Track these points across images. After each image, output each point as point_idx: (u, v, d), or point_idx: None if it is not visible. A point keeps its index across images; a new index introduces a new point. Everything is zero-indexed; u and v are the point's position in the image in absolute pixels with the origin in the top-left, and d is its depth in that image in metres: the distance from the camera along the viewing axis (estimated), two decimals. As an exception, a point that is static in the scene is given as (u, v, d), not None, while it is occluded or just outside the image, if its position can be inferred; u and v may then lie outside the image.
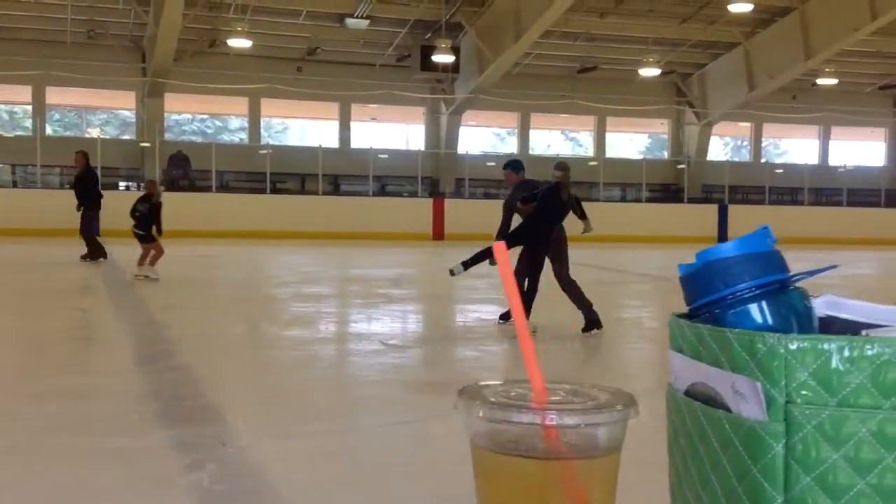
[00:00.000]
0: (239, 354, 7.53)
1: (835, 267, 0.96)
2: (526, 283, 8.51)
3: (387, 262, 18.41)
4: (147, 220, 12.69)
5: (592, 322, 8.45)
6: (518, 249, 8.72)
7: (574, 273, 9.26)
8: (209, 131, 31.02)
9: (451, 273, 9.00)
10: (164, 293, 12.01)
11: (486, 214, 26.94)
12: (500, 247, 0.79)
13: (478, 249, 8.64)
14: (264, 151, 27.40)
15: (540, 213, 8.50)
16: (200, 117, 30.73)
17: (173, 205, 22.82)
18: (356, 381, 6.32)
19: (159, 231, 13.14)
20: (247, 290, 12.78)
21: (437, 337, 8.96)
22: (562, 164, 8.74)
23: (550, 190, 8.55)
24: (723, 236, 25.68)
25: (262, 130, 29.84)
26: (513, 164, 9.48)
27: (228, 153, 28.04)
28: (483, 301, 11.70)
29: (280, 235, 23.77)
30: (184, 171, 26.35)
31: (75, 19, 24.80)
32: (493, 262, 8.39)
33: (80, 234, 15.23)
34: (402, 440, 4.40)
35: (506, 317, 9.47)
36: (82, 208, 15.19)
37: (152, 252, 12.56)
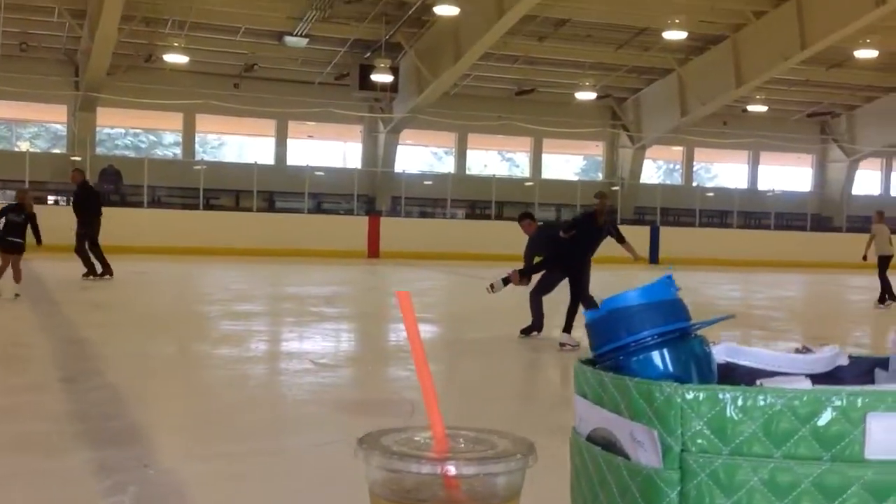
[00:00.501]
0: (167, 374, 7.40)
1: (731, 317, 0.98)
2: (569, 301, 9.07)
3: (320, 279, 18.29)
4: (22, 229, 12.33)
5: None
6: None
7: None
8: (143, 146, 30.55)
9: (492, 289, 9.39)
10: (92, 310, 11.76)
11: (421, 233, 27.17)
12: (403, 296, 0.80)
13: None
14: (198, 167, 27.07)
15: (578, 239, 9.10)
16: (134, 131, 30.25)
17: (104, 220, 22.44)
18: (286, 401, 6.26)
19: (39, 241, 12.87)
20: (177, 307, 12.58)
21: (369, 356, 8.92)
22: (600, 193, 9.65)
23: (587, 216, 9.33)
24: (654, 258, 26.07)
25: (196, 146, 29.47)
26: (529, 215, 10.07)
27: (161, 168, 27.63)
28: (417, 321, 11.70)
29: (213, 252, 23.46)
30: (115, 185, 25.89)
31: (7, 31, 24.26)
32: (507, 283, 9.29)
33: (76, 253, 14.83)
34: (332, 460, 4.36)
35: (526, 331, 9.64)
36: (80, 226, 14.84)
37: (17, 264, 12.05)
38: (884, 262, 15.70)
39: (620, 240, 9.69)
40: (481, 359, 8.74)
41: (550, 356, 9.32)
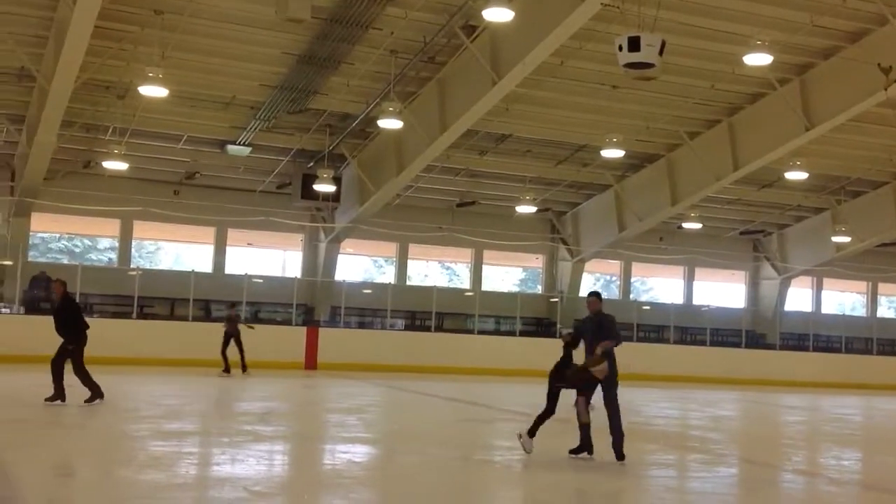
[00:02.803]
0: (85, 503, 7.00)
1: None
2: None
3: (256, 394, 17.80)
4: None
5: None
6: None
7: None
8: (77, 250, 29.96)
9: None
10: (8, 425, 11.21)
11: (360, 344, 26.84)
12: None
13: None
14: (133, 273, 26.55)
15: None
16: (68, 235, 29.66)
17: (31, 328, 21.77)
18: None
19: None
20: (102, 425, 12.04)
21: (305, 482, 8.59)
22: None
23: None
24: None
25: (133, 251, 28.99)
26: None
27: (96, 275, 27.02)
28: (353, 441, 11.39)
29: (145, 363, 22.79)
30: (46, 293, 25.14)
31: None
32: None
33: (75, 374, 13.20)
34: None
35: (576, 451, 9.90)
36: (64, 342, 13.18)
37: None
38: None
39: None
40: (423, 483, 8.46)
41: (491, 476, 9.08)
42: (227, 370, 20.85)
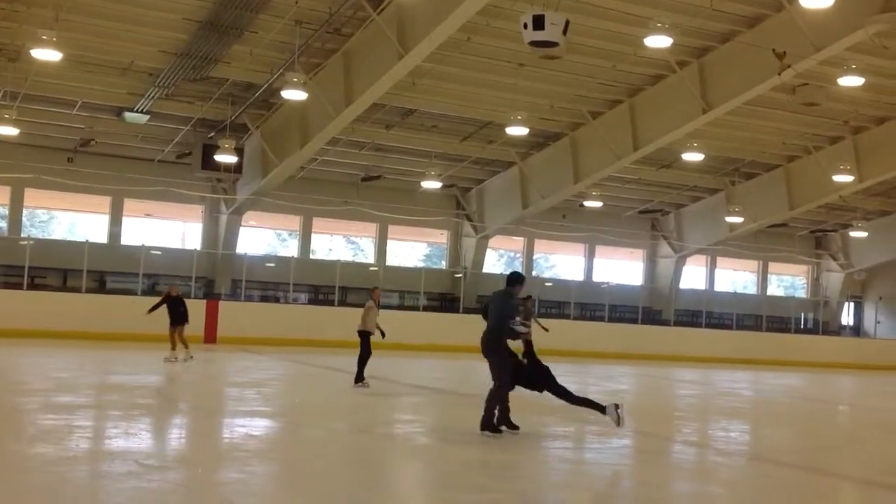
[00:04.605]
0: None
1: None
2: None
3: (152, 367, 17.42)
4: None
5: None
6: None
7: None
8: (-36, 218, 28.78)
9: None
10: None
11: (262, 318, 26.51)
12: None
13: None
14: (24, 243, 25.63)
15: None
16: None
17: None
18: (104, 513, 5.81)
19: None
20: (-9, 398, 11.65)
21: (200, 455, 8.48)
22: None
23: None
24: (495, 347, 26.27)
25: (24, 220, 27.97)
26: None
27: (-17, 244, 26.07)
28: (252, 414, 11.27)
29: (36, 335, 22.06)
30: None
31: None
32: None
33: None
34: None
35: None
36: None
37: None
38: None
39: None
40: (323, 456, 8.45)
41: (392, 448, 9.12)
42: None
